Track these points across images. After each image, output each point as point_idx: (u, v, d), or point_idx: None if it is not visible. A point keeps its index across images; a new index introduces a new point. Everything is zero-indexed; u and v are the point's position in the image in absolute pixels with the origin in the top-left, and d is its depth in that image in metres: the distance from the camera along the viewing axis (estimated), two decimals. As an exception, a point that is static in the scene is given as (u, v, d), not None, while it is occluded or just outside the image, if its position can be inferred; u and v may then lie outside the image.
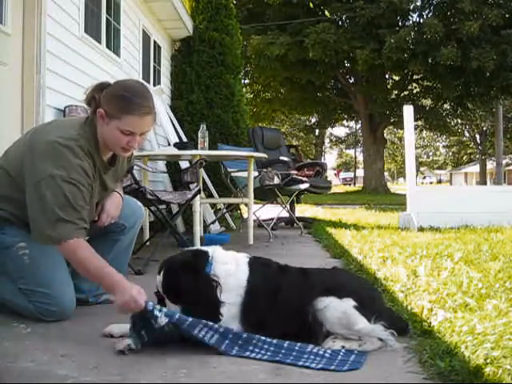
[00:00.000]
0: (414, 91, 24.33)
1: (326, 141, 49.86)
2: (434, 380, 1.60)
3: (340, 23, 20.08)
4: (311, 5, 20.36)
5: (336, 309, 1.85)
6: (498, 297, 2.44)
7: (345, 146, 55.41)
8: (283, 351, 1.80)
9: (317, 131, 39.52)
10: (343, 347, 1.83)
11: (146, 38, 6.32)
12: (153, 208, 4.13)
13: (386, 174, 36.26)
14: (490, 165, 39.36)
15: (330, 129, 43.34)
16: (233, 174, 5.81)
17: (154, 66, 6.65)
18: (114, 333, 1.98)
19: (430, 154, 61.29)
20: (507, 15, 17.69)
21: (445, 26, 17.40)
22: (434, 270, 3.16)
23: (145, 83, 2.43)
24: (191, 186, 4.44)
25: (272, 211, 6.50)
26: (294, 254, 4.31)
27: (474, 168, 45.68)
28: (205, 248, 2.06)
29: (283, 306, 1.92)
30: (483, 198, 6.50)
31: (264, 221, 6.03)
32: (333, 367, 1.71)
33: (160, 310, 1.84)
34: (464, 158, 52.99)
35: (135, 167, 4.33)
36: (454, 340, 1.82)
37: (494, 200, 6.34)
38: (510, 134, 35.82)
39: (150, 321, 1.83)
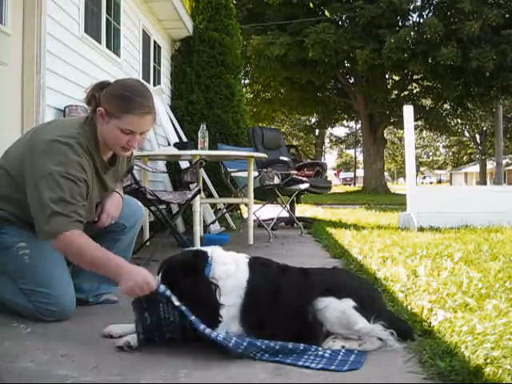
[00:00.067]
0: (414, 91, 24.33)
1: (326, 141, 49.91)
2: (434, 380, 1.60)
3: (340, 23, 20.10)
4: (311, 5, 20.37)
5: (335, 309, 1.85)
6: (498, 297, 2.44)
7: (345, 146, 55.45)
8: (284, 351, 1.80)
9: (317, 131, 39.51)
10: (343, 347, 1.83)
11: (146, 37, 6.32)
12: (153, 208, 4.13)
13: (386, 173, 36.26)
14: (490, 165, 39.36)
15: (330, 129, 43.38)
16: (233, 174, 5.81)
17: (154, 66, 6.65)
18: (114, 333, 1.98)
19: (430, 154, 61.31)
20: (507, 15, 17.70)
21: (445, 26, 17.40)
22: (434, 270, 3.16)
23: (145, 83, 2.43)
24: (191, 185, 4.44)
25: (272, 211, 6.50)
26: (294, 254, 4.31)
27: (474, 168, 45.69)
28: (204, 248, 2.05)
29: (283, 307, 1.92)
30: (483, 198, 6.50)
31: (264, 221, 6.02)
32: (333, 367, 1.71)
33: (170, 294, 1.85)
34: (464, 158, 52.99)
35: (135, 167, 4.34)
36: (453, 340, 1.83)
37: (494, 200, 6.34)
38: (510, 134, 35.81)
39: (157, 304, 1.84)
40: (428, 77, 20.76)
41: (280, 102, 24.17)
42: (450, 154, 56.40)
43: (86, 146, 2.18)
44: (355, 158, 50.96)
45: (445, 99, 22.65)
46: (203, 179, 5.84)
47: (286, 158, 6.12)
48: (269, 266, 2.07)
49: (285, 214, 6.49)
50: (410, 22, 20.04)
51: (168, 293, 1.84)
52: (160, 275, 1.97)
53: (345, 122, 38.30)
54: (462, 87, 20.02)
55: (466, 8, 16.77)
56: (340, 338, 1.86)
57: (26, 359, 1.77)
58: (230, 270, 1.95)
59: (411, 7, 19.27)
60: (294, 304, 1.92)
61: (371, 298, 1.99)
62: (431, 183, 61.01)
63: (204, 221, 5.80)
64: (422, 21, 19.25)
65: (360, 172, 43.78)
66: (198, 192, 4.33)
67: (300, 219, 6.60)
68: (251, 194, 4.90)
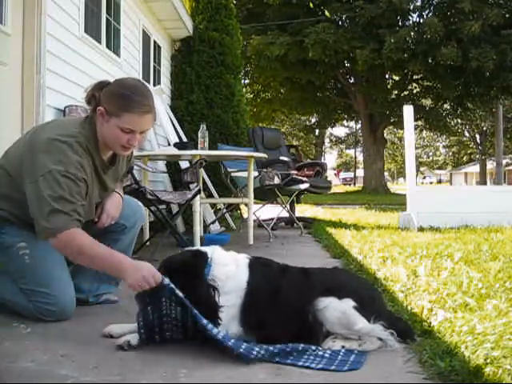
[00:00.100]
0: (414, 91, 24.33)
1: (326, 141, 49.91)
2: (433, 380, 1.60)
3: (340, 23, 20.09)
4: (311, 5, 20.36)
5: (335, 309, 1.85)
6: (498, 297, 2.44)
7: (345, 146, 55.44)
8: (284, 352, 1.80)
9: (317, 131, 39.50)
10: (343, 347, 1.83)
11: (146, 37, 6.32)
12: (153, 208, 4.13)
13: (386, 173, 36.26)
14: (490, 165, 39.36)
15: (330, 129, 43.36)
16: (233, 174, 5.81)
17: (154, 66, 6.65)
18: (114, 333, 1.98)
19: (430, 154, 61.31)
20: (507, 15, 17.70)
21: (445, 26, 17.40)
22: (434, 269, 3.16)
23: (145, 83, 2.43)
24: (191, 186, 4.44)
25: (272, 211, 6.50)
26: (294, 254, 4.31)
27: (474, 168, 45.69)
28: (204, 249, 2.05)
29: (283, 307, 1.92)
30: (483, 198, 6.50)
31: (264, 221, 6.03)
32: (333, 367, 1.71)
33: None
34: (464, 158, 53.00)
35: (135, 167, 4.34)
36: (454, 340, 1.83)
37: (494, 200, 6.34)
38: (510, 134, 35.81)
39: (160, 299, 1.86)
40: (428, 77, 20.76)
41: (280, 102, 24.17)
42: (450, 154, 56.41)
43: (85, 146, 2.18)
44: (355, 157, 50.97)
45: (445, 99, 22.65)
46: (203, 179, 5.84)
47: (286, 158, 6.12)
48: (269, 266, 2.07)
49: (285, 214, 6.49)
50: (410, 22, 20.04)
51: (172, 285, 1.86)
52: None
53: (345, 122, 38.32)
54: (461, 87, 20.02)
55: (466, 8, 16.76)
56: (340, 338, 1.87)
57: (26, 359, 1.77)
58: (229, 271, 1.95)
59: (411, 7, 19.27)
60: (294, 304, 1.92)
61: (371, 298, 1.99)
62: (431, 183, 61.01)
63: (204, 221, 5.80)
64: (421, 21, 19.25)
65: (360, 172, 43.79)
66: (198, 192, 4.33)
67: (300, 219, 6.60)
68: (251, 194, 4.90)
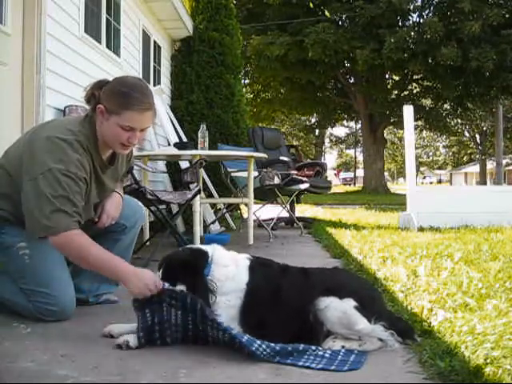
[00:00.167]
0: (414, 91, 24.33)
1: (326, 141, 49.89)
2: (433, 380, 1.60)
3: (340, 23, 20.10)
4: (311, 5, 20.37)
5: (336, 309, 1.85)
6: (498, 297, 2.44)
7: (345, 146, 55.43)
8: (285, 352, 1.80)
9: (317, 131, 39.50)
10: (343, 347, 1.83)
11: (146, 38, 6.32)
12: (153, 208, 4.13)
13: (386, 174, 36.25)
14: (490, 165, 39.35)
15: (330, 129, 43.36)
16: (233, 174, 5.81)
17: (154, 66, 6.65)
18: (114, 333, 1.98)
19: (430, 154, 61.31)
20: (507, 15, 17.70)
21: (445, 26, 17.40)
22: (434, 269, 3.16)
23: (144, 81, 2.43)
24: (191, 186, 4.44)
25: (272, 211, 6.50)
26: (294, 254, 4.31)
27: (474, 168, 45.68)
28: (205, 248, 2.05)
29: (284, 307, 1.92)
30: (483, 198, 6.50)
31: (264, 221, 6.03)
32: (333, 367, 1.71)
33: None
34: (464, 158, 52.99)
35: (135, 167, 4.34)
36: (454, 340, 1.82)
37: (494, 200, 6.34)
38: (510, 134, 35.80)
39: (160, 305, 1.87)
40: (428, 77, 20.77)
41: (280, 102, 24.17)
42: (450, 154, 56.40)
43: (85, 144, 2.18)
44: (355, 157, 50.96)
45: (445, 99, 22.65)
46: (203, 179, 5.84)
47: (286, 158, 6.12)
48: (269, 266, 2.06)
49: (285, 214, 6.49)
50: (410, 22, 20.05)
51: (173, 289, 1.89)
52: (160, 272, 1.98)
53: (345, 122, 38.30)
54: (461, 87, 20.02)
55: (466, 8, 16.76)
56: (340, 338, 1.86)
57: (26, 359, 1.77)
58: (229, 272, 1.95)
59: (411, 7, 19.27)
60: (295, 304, 1.92)
61: (372, 298, 1.99)
62: (431, 183, 61.01)
63: (204, 221, 5.80)
64: (421, 21, 19.26)
65: (360, 172, 43.78)
66: (198, 192, 4.33)
67: (300, 219, 6.60)
68: (251, 194, 4.90)
